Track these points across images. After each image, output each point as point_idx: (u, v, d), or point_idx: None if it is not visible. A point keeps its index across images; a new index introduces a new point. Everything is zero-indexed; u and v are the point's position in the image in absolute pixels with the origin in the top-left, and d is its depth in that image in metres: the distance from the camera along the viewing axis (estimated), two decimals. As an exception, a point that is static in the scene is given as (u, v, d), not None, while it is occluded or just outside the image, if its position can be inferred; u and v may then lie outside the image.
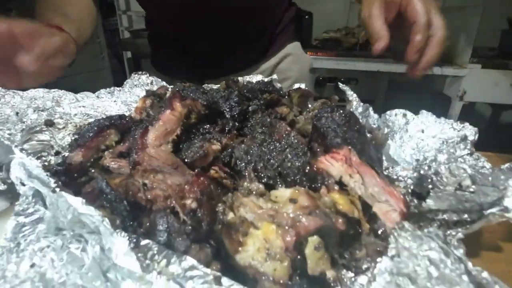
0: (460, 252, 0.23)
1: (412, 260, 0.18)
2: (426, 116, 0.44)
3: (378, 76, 2.14)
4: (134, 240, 0.22)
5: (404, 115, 0.46)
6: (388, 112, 0.49)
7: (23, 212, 0.24)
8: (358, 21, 0.58)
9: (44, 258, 0.20)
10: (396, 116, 0.47)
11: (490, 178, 0.26)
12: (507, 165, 0.32)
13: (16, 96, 0.44)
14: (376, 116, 0.50)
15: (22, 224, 0.22)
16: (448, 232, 0.26)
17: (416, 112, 0.48)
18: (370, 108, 0.51)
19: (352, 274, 0.26)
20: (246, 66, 0.83)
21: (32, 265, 0.19)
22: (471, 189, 0.26)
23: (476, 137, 0.41)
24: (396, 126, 0.46)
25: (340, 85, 0.58)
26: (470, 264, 0.18)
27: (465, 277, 0.17)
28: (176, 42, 0.83)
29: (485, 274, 0.17)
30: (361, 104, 0.53)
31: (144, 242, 0.22)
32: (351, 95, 0.54)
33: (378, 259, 0.20)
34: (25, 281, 0.18)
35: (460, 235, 0.23)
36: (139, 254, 0.20)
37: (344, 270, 0.27)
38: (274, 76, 0.60)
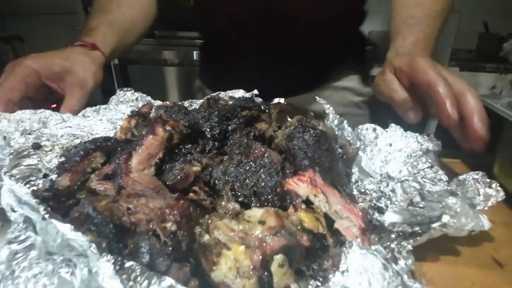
0: (408, 262, 0.26)
1: (357, 274, 0.21)
2: (394, 130, 0.48)
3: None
4: (119, 262, 0.24)
5: (374, 130, 0.49)
6: (360, 126, 0.52)
7: (15, 239, 0.26)
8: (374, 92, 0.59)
9: (37, 284, 0.22)
10: (367, 130, 0.51)
11: (435, 195, 0.29)
12: (460, 178, 0.36)
13: (3, 120, 0.45)
14: (350, 129, 0.53)
15: (15, 251, 0.25)
16: (402, 243, 0.29)
17: (396, 119, 0.51)
18: (345, 122, 0.54)
19: (319, 283, 0.30)
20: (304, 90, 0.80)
21: (27, 292, 0.22)
22: (421, 205, 0.29)
23: (440, 148, 0.45)
24: (367, 139, 0.49)
25: (317, 98, 0.61)
26: (405, 277, 0.21)
27: (401, 288, 0.20)
28: (236, 55, 0.82)
29: (417, 285, 0.20)
30: (337, 117, 0.56)
31: (128, 264, 0.24)
32: (328, 108, 0.57)
33: (333, 274, 0.24)
34: (20, 307, 0.20)
35: (409, 247, 0.26)
36: (123, 276, 0.23)
37: (312, 281, 0.30)
38: (255, 92, 0.63)
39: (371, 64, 0.91)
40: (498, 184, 0.36)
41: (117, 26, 0.72)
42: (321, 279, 0.30)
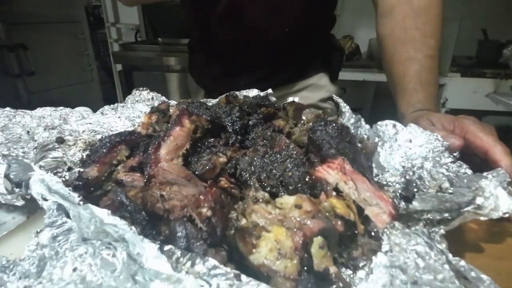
0: (443, 246, 0.26)
1: (403, 254, 0.21)
2: (414, 128, 0.47)
3: (364, 86, 2.22)
4: (158, 245, 0.24)
5: (394, 126, 0.49)
6: (379, 123, 0.51)
7: (53, 224, 0.26)
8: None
9: (83, 263, 0.22)
10: (386, 126, 0.49)
11: (465, 181, 0.29)
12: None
13: (26, 115, 0.46)
14: (367, 126, 0.53)
15: (55, 234, 0.25)
16: (433, 229, 0.29)
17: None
18: (362, 120, 0.55)
19: (350, 272, 0.30)
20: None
21: (74, 269, 0.21)
22: (450, 191, 0.30)
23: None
24: (386, 136, 0.49)
25: (334, 97, 0.62)
26: (450, 255, 0.21)
27: (446, 266, 0.20)
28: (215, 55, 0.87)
29: (462, 263, 0.20)
30: (353, 115, 0.57)
31: (167, 247, 0.24)
32: (344, 107, 0.58)
33: (373, 256, 0.24)
34: (69, 283, 0.20)
35: (442, 231, 0.27)
36: (166, 257, 0.23)
37: (343, 268, 0.30)
38: (269, 91, 0.64)
39: (340, 66, 0.97)
40: None
41: None
42: (352, 267, 0.30)
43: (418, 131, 0.45)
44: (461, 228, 0.37)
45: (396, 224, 0.23)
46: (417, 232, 0.22)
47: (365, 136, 0.51)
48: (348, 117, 0.56)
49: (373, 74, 2.01)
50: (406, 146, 0.44)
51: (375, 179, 0.42)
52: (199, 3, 0.80)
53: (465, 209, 0.27)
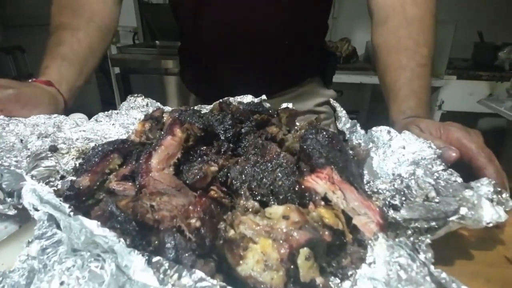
0: (428, 255, 0.27)
1: (385, 266, 0.21)
2: (408, 135, 0.47)
3: (361, 88, 2.23)
4: (147, 257, 0.25)
5: (388, 132, 0.49)
6: (374, 128, 0.51)
7: (43, 236, 0.26)
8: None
9: (71, 276, 0.22)
10: (381, 132, 0.50)
11: (451, 190, 0.30)
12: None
13: (19, 124, 0.46)
14: (362, 131, 0.54)
15: (44, 247, 0.25)
16: (420, 238, 0.30)
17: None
18: (358, 125, 0.55)
19: (339, 280, 0.30)
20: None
21: (62, 283, 0.22)
22: (436, 200, 0.30)
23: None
24: (381, 141, 0.49)
25: (331, 101, 0.63)
26: (432, 267, 0.21)
27: (428, 278, 0.21)
28: (207, 62, 0.87)
29: (444, 275, 0.21)
30: (349, 120, 0.57)
31: (155, 259, 0.25)
32: (341, 111, 0.58)
33: (362, 265, 0.24)
34: (56, 298, 0.21)
35: (428, 240, 0.27)
36: (153, 270, 0.23)
37: (332, 277, 0.30)
38: (263, 97, 0.64)
39: (334, 71, 0.99)
40: (508, 194, 0.35)
41: (72, 58, 0.69)
42: (340, 276, 0.31)
43: (412, 138, 0.45)
44: (451, 235, 0.37)
45: (380, 235, 0.23)
46: (400, 244, 0.23)
47: (358, 142, 0.51)
48: (344, 122, 0.56)
49: (370, 76, 2.02)
50: (399, 153, 0.45)
51: (366, 186, 0.42)
52: (190, 10, 0.80)
53: (450, 218, 0.27)
